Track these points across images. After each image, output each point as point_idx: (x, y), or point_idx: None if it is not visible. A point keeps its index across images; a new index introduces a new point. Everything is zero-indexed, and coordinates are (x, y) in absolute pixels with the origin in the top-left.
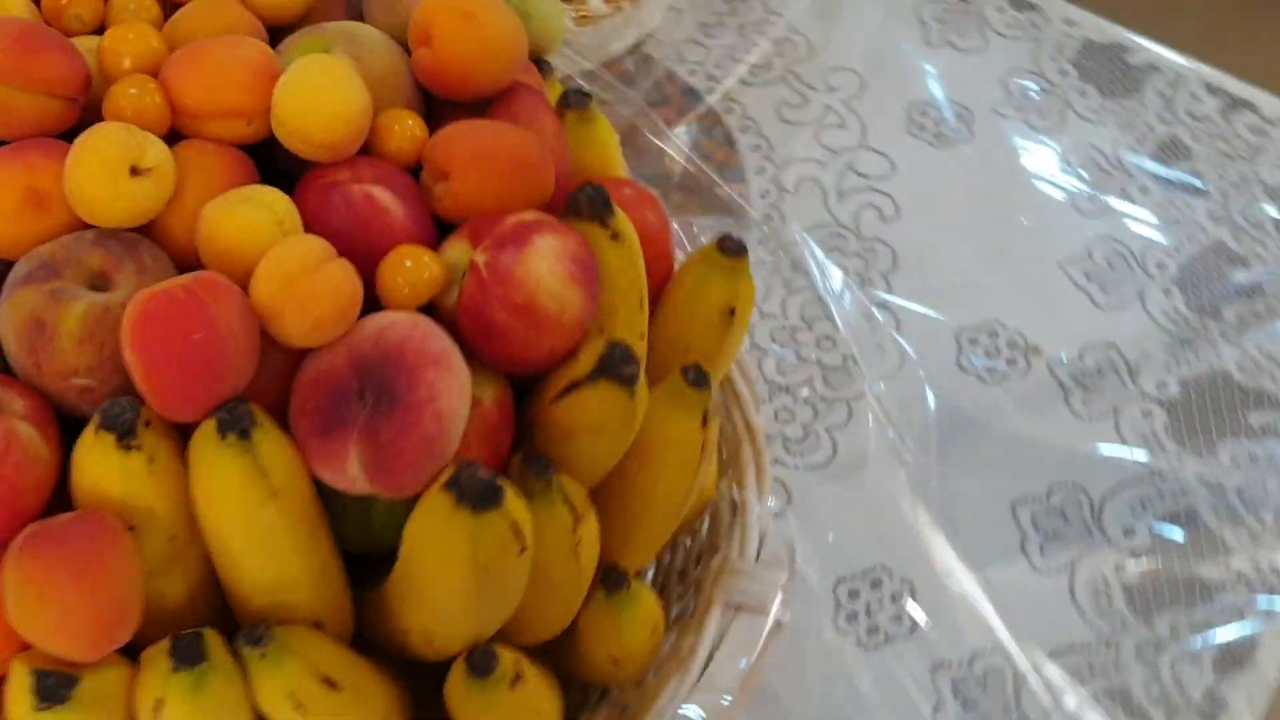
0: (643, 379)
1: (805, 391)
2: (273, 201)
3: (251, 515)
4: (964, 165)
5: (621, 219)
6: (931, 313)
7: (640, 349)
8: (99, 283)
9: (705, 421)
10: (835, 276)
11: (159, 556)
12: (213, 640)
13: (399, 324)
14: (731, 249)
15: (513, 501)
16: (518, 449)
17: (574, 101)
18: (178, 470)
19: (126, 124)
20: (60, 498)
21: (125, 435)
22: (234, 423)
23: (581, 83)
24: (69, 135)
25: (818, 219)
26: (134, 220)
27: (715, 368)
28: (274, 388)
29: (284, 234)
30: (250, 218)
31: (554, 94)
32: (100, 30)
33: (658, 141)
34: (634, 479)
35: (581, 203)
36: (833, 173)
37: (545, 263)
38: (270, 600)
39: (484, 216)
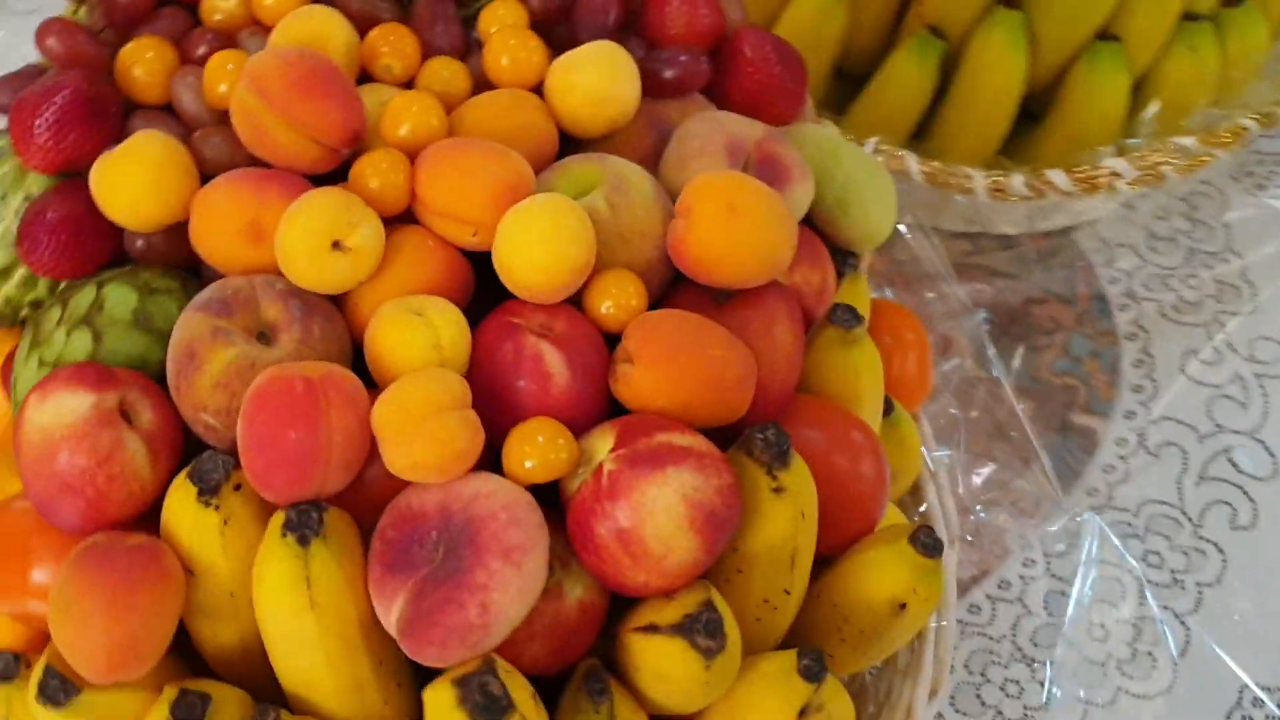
0: (732, 649)
1: None
2: (445, 322)
3: (287, 616)
4: None
5: (796, 473)
6: (1225, 656)
7: (762, 611)
8: (266, 332)
9: (804, 713)
10: (1128, 568)
11: (214, 604)
12: (222, 706)
13: (495, 497)
14: (927, 546)
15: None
16: (597, 652)
17: (840, 319)
18: (254, 537)
19: (347, 198)
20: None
21: (206, 493)
22: (298, 526)
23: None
24: (326, 178)
25: (1157, 494)
26: (324, 289)
27: (860, 658)
28: (380, 498)
29: (439, 358)
30: (409, 332)
31: (851, 291)
32: (409, 84)
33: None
34: None
35: (755, 443)
36: (1205, 450)
37: (668, 498)
38: (299, 693)
39: (642, 418)
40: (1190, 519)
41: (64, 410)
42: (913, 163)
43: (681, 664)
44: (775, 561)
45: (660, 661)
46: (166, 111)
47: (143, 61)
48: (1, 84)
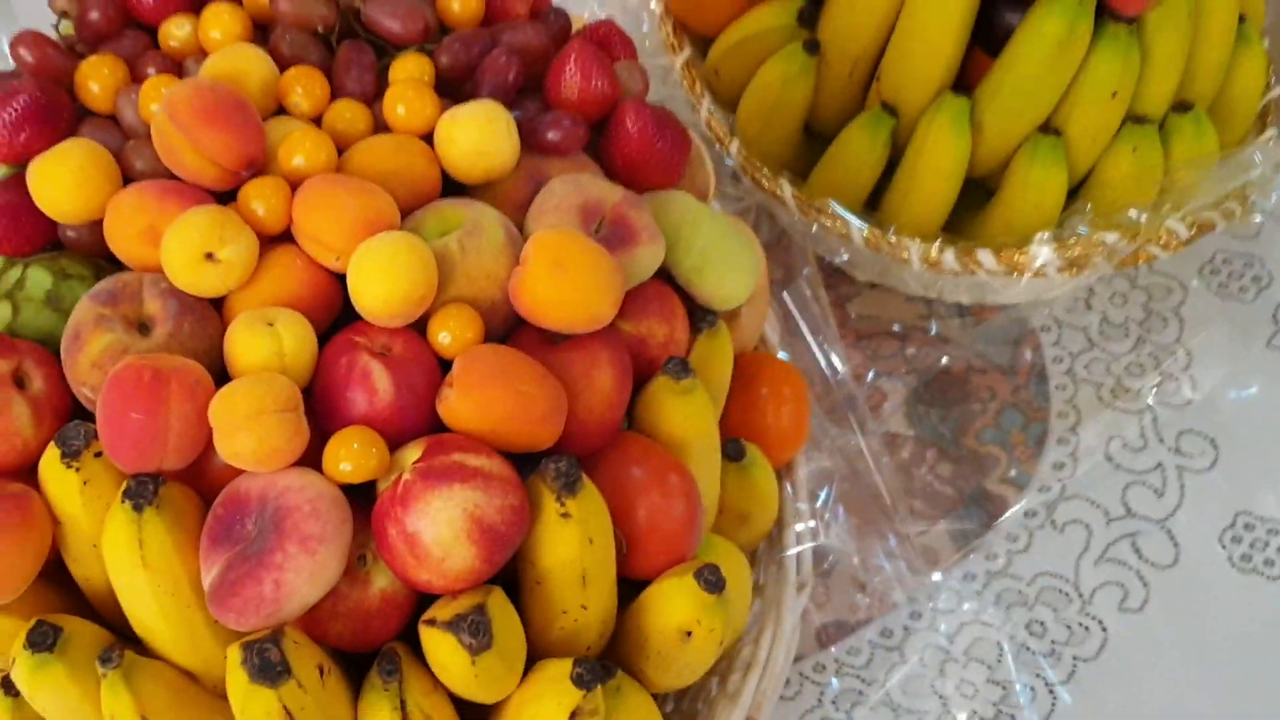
0: (504, 649)
1: None
2: (291, 334)
3: (125, 573)
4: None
5: (584, 501)
6: None
7: (563, 621)
8: (146, 324)
9: (575, 716)
10: (1010, 634)
11: (80, 553)
12: (70, 638)
13: (304, 491)
14: (710, 583)
15: (291, 690)
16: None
17: (670, 369)
18: (112, 497)
19: (224, 216)
20: None
21: (68, 455)
22: (135, 494)
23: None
24: (228, 195)
25: (1053, 567)
26: (197, 292)
27: (665, 677)
28: (223, 481)
29: (281, 365)
30: (256, 338)
31: (709, 345)
32: (318, 120)
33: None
34: None
35: (549, 471)
36: (1111, 533)
37: (450, 510)
38: (146, 638)
39: (449, 438)
40: (1081, 595)
41: None
42: (855, 228)
43: (451, 656)
44: (567, 579)
45: (437, 652)
46: (112, 121)
47: (97, 76)
48: None
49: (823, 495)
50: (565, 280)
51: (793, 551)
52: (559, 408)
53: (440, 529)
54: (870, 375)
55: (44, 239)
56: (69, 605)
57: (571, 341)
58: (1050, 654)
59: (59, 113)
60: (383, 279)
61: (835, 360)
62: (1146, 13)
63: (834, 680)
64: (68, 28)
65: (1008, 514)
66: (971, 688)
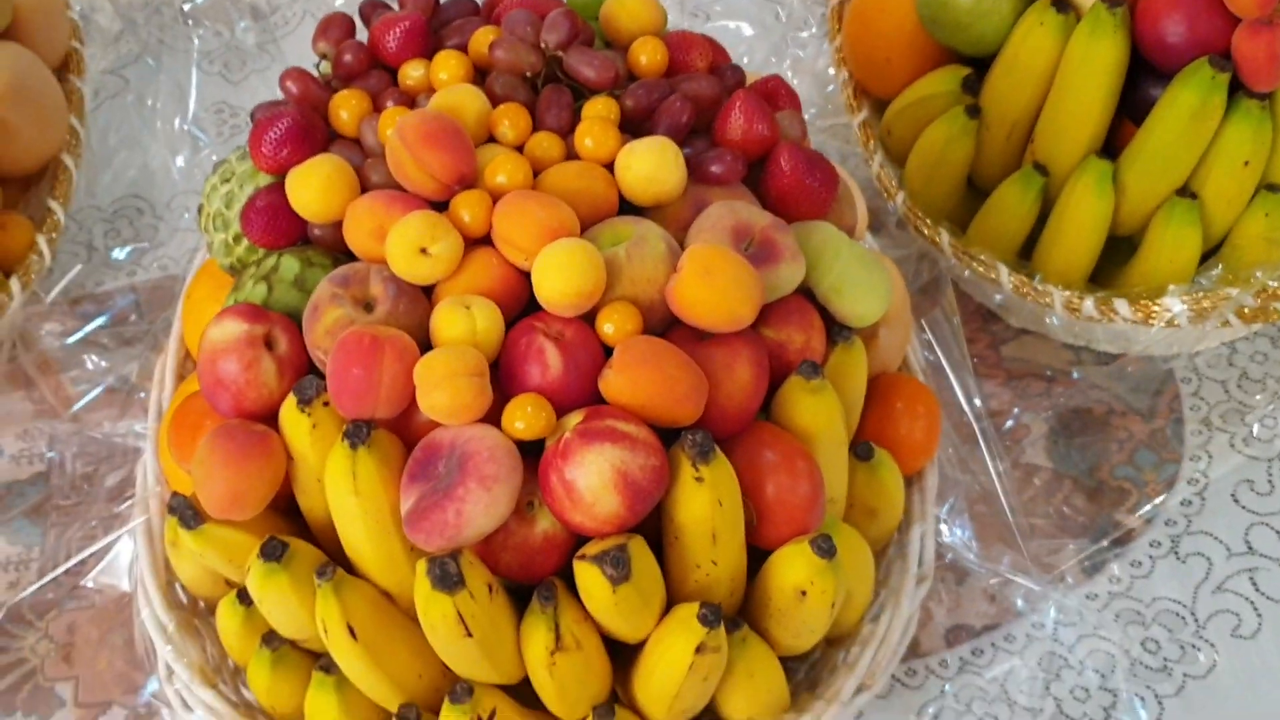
0: (641, 585)
1: None
2: (483, 316)
3: (340, 499)
4: None
5: (716, 469)
6: None
7: (697, 575)
8: (370, 303)
9: (700, 650)
10: (1126, 649)
11: (308, 486)
12: (294, 554)
13: (485, 440)
14: (822, 549)
15: (464, 598)
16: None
17: (802, 370)
18: (334, 440)
19: (435, 219)
20: None
21: (302, 403)
22: (352, 435)
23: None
24: (442, 206)
25: (1172, 593)
26: (413, 280)
27: (788, 636)
28: (423, 433)
29: (473, 340)
30: (455, 317)
31: (844, 357)
32: (520, 148)
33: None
34: (636, 669)
35: (686, 441)
36: (1230, 567)
37: (600, 464)
38: (354, 560)
39: (606, 408)
40: (1196, 619)
41: (227, 331)
42: (1004, 275)
43: (596, 586)
44: (699, 535)
45: (584, 581)
46: (355, 143)
47: (347, 106)
48: (261, 108)
49: (949, 503)
50: (713, 285)
51: (916, 545)
52: (700, 390)
53: (592, 478)
54: (1016, 411)
55: (296, 235)
56: (296, 534)
57: (717, 339)
58: (1161, 669)
59: (314, 134)
60: (561, 275)
61: (972, 388)
62: (1278, 89)
63: (956, 676)
64: (326, 68)
65: (1134, 542)
66: (1084, 693)
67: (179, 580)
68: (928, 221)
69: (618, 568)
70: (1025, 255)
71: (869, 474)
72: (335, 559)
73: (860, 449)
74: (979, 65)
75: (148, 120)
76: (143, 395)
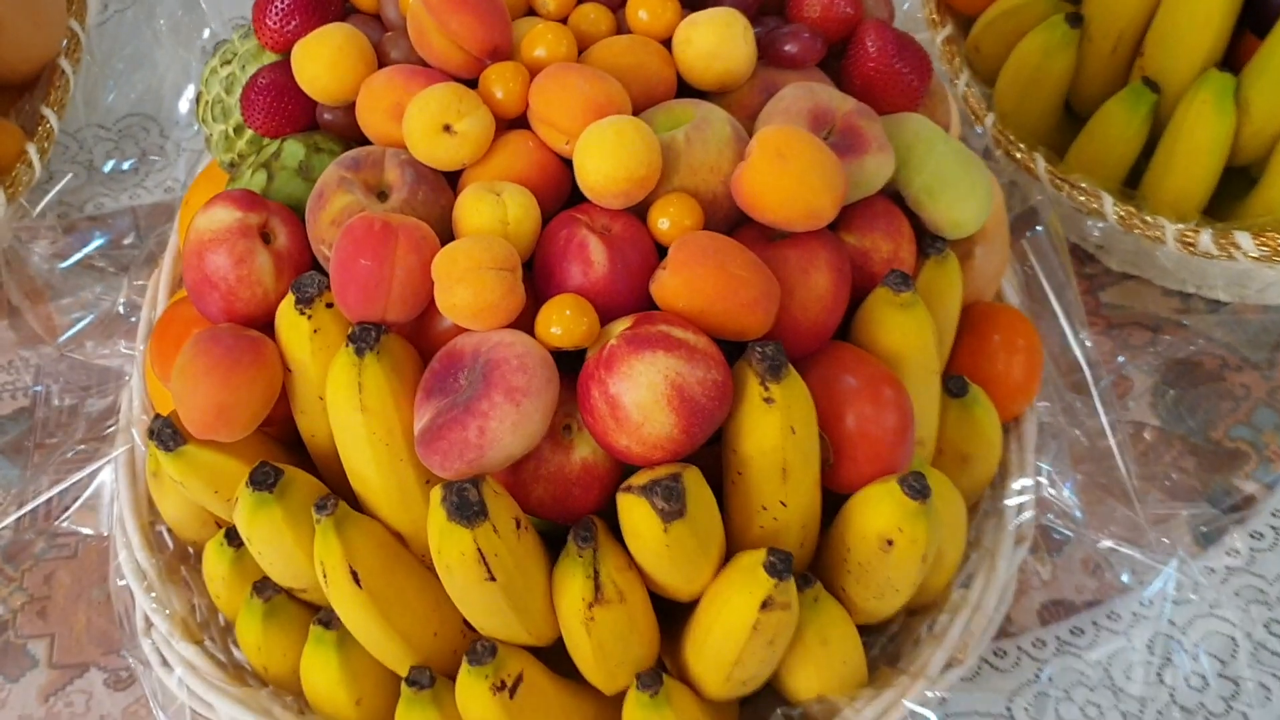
0: (696, 521)
1: None
2: (515, 204)
3: (343, 415)
4: None
5: (788, 388)
6: None
7: (763, 519)
8: (385, 191)
9: (765, 606)
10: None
11: (307, 404)
12: (290, 483)
13: (514, 347)
14: (914, 489)
15: (486, 533)
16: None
17: (890, 281)
18: (339, 349)
19: (461, 91)
20: None
21: (301, 302)
22: (358, 339)
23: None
24: (471, 83)
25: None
26: (434, 164)
27: (868, 597)
28: (442, 341)
29: (504, 231)
30: (482, 204)
31: (936, 272)
32: (564, 20)
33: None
34: (688, 631)
35: (754, 354)
36: None
37: (652, 375)
38: (359, 490)
39: (657, 313)
40: None
41: (216, 219)
42: (1109, 206)
43: (644, 521)
44: (767, 469)
45: (630, 517)
46: (375, 18)
47: None
48: None
49: (1053, 451)
50: (786, 171)
51: (1014, 502)
52: (770, 295)
53: (641, 392)
54: (1119, 361)
55: (303, 120)
56: (294, 464)
57: (790, 239)
58: None
59: (327, 5)
60: (607, 157)
61: (1079, 328)
62: None
63: (1054, 658)
64: None
65: (1254, 511)
66: (1201, 680)
67: (164, 522)
68: (1021, 146)
69: (670, 500)
70: (1130, 184)
71: (962, 413)
72: (340, 493)
73: (952, 383)
74: None
75: (160, 34)
76: (135, 320)
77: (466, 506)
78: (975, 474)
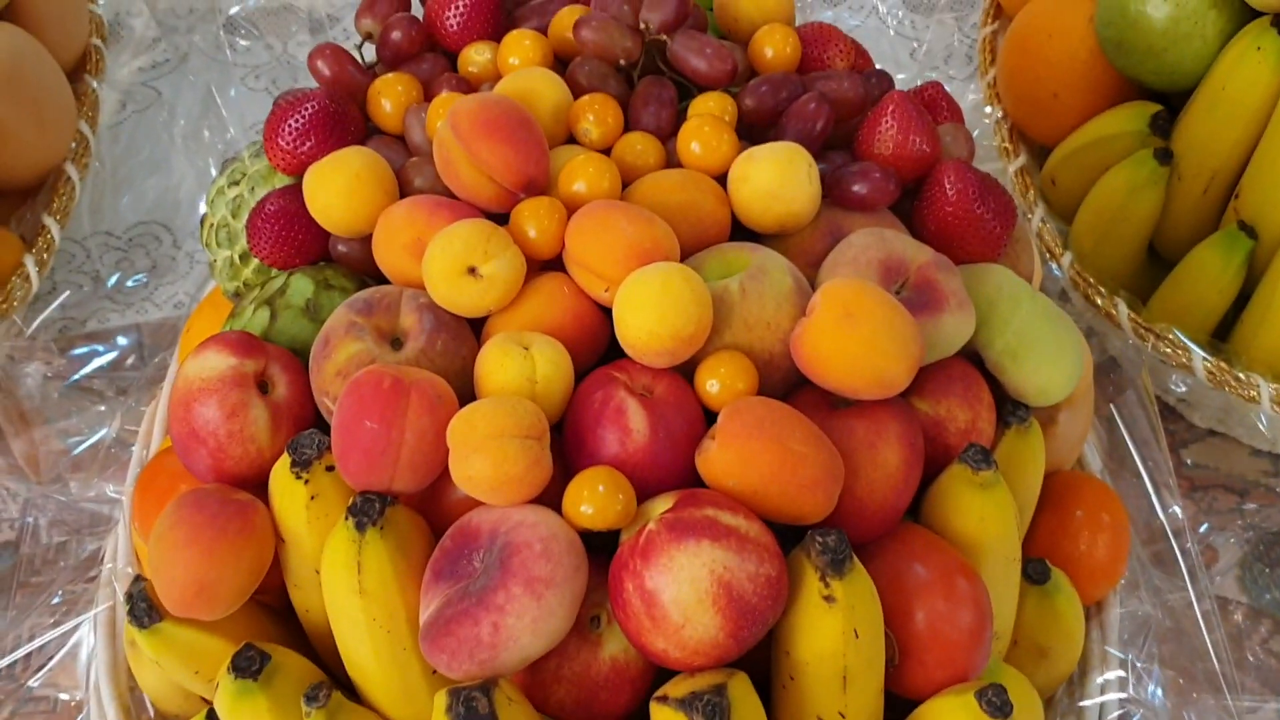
0: None
1: None
2: (545, 360)
3: (340, 597)
4: None
5: (853, 586)
6: None
7: None
8: (400, 338)
9: None
10: None
11: (302, 577)
12: (278, 669)
13: (537, 529)
14: (994, 705)
15: None
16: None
17: (969, 458)
18: (339, 519)
19: (491, 230)
20: None
21: (298, 465)
22: (359, 511)
23: None
24: (504, 219)
25: None
26: (457, 309)
27: None
28: (457, 512)
29: (531, 391)
30: (507, 360)
31: (1017, 443)
32: (608, 150)
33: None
34: None
35: (814, 545)
36: None
37: (696, 569)
38: (357, 680)
39: (704, 492)
40: None
41: (208, 365)
42: (1198, 359)
43: None
44: (824, 676)
45: None
46: (399, 142)
47: (390, 93)
48: (284, 95)
49: (1140, 644)
50: (855, 333)
51: (1094, 701)
52: (833, 475)
53: (683, 589)
54: (1202, 530)
55: (314, 251)
56: (287, 641)
57: (857, 408)
58: None
59: (346, 125)
60: (650, 311)
61: (1167, 496)
62: None
63: None
64: (371, 53)
65: None
66: None
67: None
68: (1101, 290)
69: (714, 716)
70: (1220, 336)
71: (1042, 601)
72: (337, 676)
73: (1032, 568)
74: (1171, 101)
75: (178, 139)
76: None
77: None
78: (1054, 669)
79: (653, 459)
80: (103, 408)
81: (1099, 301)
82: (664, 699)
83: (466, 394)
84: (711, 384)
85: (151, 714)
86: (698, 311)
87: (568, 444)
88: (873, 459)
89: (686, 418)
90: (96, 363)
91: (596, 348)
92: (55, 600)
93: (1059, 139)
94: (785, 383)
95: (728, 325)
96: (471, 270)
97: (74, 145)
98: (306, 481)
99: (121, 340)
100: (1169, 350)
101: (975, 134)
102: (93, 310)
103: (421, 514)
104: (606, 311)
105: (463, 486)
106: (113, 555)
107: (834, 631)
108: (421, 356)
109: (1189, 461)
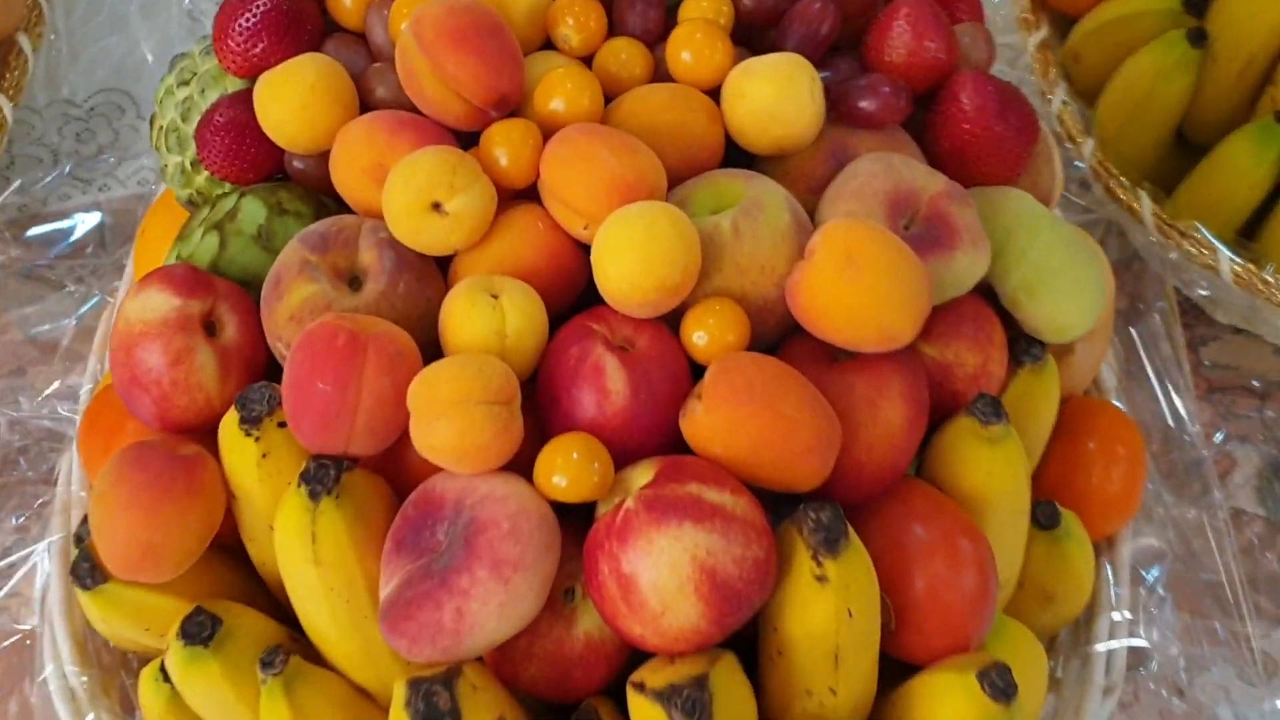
0: None
1: None
2: (516, 310)
3: (295, 568)
4: None
5: (847, 564)
6: None
7: (806, 703)
8: (358, 276)
9: None
10: None
11: (256, 532)
12: (230, 633)
13: (505, 504)
14: (996, 689)
15: None
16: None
17: (976, 410)
18: (293, 475)
19: (458, 160)
20: None
21: (247, 422)
22: (312, 479)
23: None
24: (472, 137)
25: None
26: (419, 247)
27: None
28: (421, 474)
29: (500, 346)
30: (475, 312)
31: (1030, 384)
32: (589, 58)
33: None
34: None
35: (805, 521)
36: None
37: (677, 554)
38: (316, 643)
39: (688, 462)
40: None
41: (149, 307)
42: (1224, 259)
43: None
44: (815, 655)
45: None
46: (361, 41)
47: None
48: None
49: (1149, 578)
50: (857, 282)
51: (1103, 646)
52: (829, 441)
53: (662, 575)
54: (1219, 437)
55: (268, 166)
56: (246, 587)
57: (857, 361)
58: None
59: (301, 24)
60: (633, 256)
61: (1184, 414)
62: None
63: None
64: None
65: None
66: None
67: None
68: (1123, 181)
69: (694, 713)
70: (1248, 234)
71: (1050, 547)
72: (299, 625)
73: (1042, 513)
74: None
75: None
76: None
77: (436, 716)
78: (1059, 613)
79: (632, 422)
80: (66, 289)
81: (1120, 194)
82: (640, 687)
83: (431, 339)
84: (699, 335)
85: (110, 646)
86: (685, 259)
87: (541, 400)
88: (873, 417)
89: (669, 373)
90: (56, 249)
91: (574, 287)
92: (18, 520)
93: (1085, 8)
94: (779, 330)
95: (718, 269)
96: (436, 206)
97: (25, 13)
98: (257, 439)
99: (83, 219)
100: (1193, 250)
101: (995, 0)
102: (52, 188)
103: (382, 472)
104: (585, 248)
105: (425, 454)
106: (67, 479)
107: (826, 612)
108: (382, 300)
109: (1207, 362)
